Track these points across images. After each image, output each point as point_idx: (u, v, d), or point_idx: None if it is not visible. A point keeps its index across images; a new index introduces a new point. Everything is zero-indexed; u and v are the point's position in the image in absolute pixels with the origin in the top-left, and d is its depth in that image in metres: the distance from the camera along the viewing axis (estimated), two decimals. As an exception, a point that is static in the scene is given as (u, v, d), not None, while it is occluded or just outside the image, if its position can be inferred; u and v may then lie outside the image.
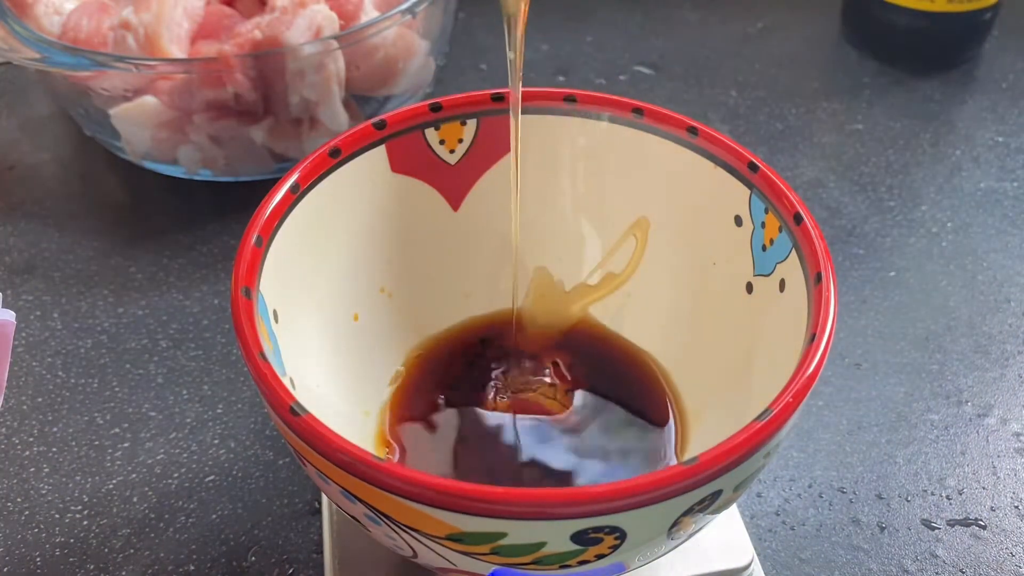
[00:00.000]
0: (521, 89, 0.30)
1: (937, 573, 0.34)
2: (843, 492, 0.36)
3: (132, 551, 0.34)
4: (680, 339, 0.33)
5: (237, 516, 0.35)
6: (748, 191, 0.29)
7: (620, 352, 0.34)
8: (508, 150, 0.33)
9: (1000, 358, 0.41)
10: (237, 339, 0.25)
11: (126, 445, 0.37)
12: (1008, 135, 0.53)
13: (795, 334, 0.26)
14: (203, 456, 0.37)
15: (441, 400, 0.32)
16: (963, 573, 0.34)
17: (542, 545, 0.22)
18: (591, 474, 0.30)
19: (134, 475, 0.36)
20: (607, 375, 0.33)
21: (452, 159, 0.33)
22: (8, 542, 0.34)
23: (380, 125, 0.31)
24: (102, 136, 0.48)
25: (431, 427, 0.32)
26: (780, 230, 0.28)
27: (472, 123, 0.32)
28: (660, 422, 0.31)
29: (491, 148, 0.33)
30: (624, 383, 0.33)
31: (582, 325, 0.35)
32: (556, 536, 0.22)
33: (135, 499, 0.35)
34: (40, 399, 0.39)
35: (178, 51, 0.44)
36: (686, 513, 0.23)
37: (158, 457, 0.37)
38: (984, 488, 0.36)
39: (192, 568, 0.33)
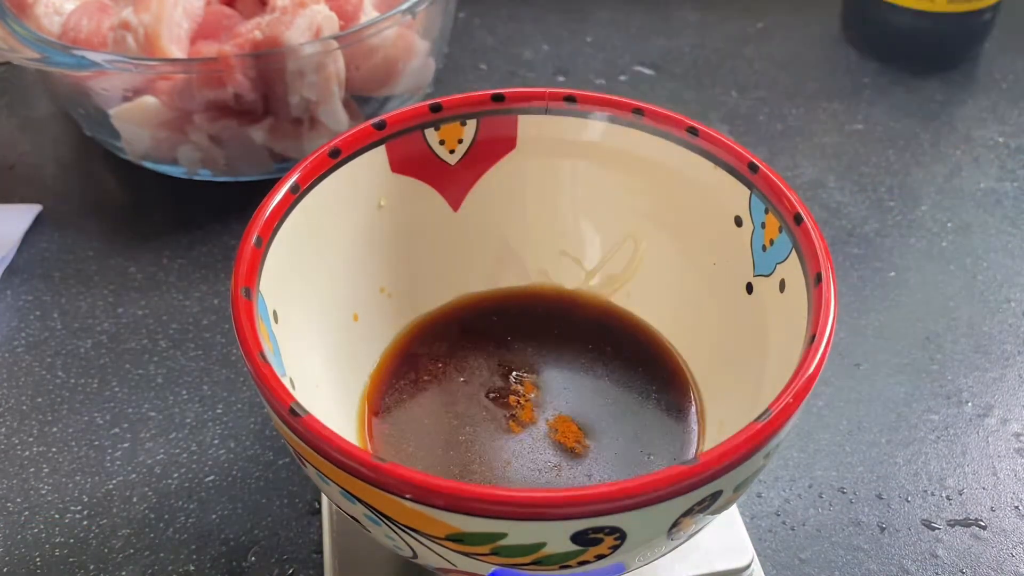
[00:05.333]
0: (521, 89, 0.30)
1: (937, 573, 0.34)
2: (843, 492, 0.36)
3: (132, 551, 0.34)
4: (680, 340, 0.33)
5: (237, 516, 0.35)
6: (748, 191, 0.29)
7: (645, 337, 0.34)
8: (508, 150, 0.33)
9: (1000, 358, 0.41)
10: (237, 339, 0.25)
11: (126, 445, 0.37)
12: (1008, 135, 0.53)
13: (795, 334, 0.26)
14: (203, 456, 0.37)
15: (450, 389, 0.32)
16: (963, 573, 0.34)
17: (542, 546, 0.22)
18: (601, 471, 0.30)
19: (134, 475, 0.36)
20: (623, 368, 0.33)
21: (452, 159, 0.33)
22: (8, 542, 0.34)
23: (380, 125, 0.31)
24: (102, 136, 0.48)
25: (435, 418, 0.32)
26: (780, 230, 0.28)
27: (472, 123, 0.32)
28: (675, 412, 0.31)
29: (491, 148, 0.33)
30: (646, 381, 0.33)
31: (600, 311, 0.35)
32: (556, 536, 0.22)
33: (135, 499, 0.35)
34: (40, 399, 0.39)
35: (178, 51, 0.44)
36: (686, 514, 0.23)
37: (158, 457, 0.37)
38: (984, 488, 0.36)
39: (192, 568, 0.33)
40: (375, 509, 0.23)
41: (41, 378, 0.40)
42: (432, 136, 0.32)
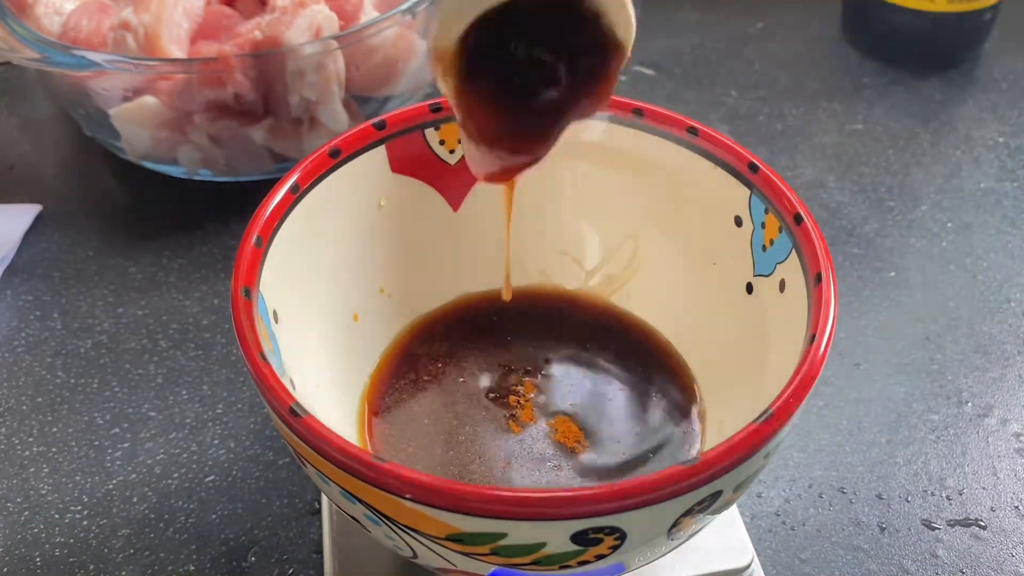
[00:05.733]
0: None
1: (937, 573, 0.34)
2: (843, 492, 0.36)
3: (132, 551, 0.34)
4: (680, 340, 0.33)
5: (237, 516, 0.35)
6: (748, 191, 0.29)
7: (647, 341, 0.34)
8: (508, 150, 0.33)
9: (1000, 358, 0.41)
10: (237, 339, 0.25)
11: (126, 445, 0.37)
12: (1008, 135, 0.53)
13: (795, 334, 0.26)
14: (203, 456, 0.37)
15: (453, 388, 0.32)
16: (963, 573, 0.34)
17: (542, 545, 0.22)
18: (601, 469, 0.30)
19: (134, 475, 0.36)
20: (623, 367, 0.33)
21: (452, 159, 0.33)
22: (8, 542, 0.34)
23: (380, 125, 0.31)
24: (102, 136, 0.48)
25: (433, 414, 0.32)
26: (780, 230, 0.28)
27: (472, 123, 0.32)
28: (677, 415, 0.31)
29: (491, 148, 0.33)
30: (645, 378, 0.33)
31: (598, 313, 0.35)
32: (556, 536, 0.22)
33: (135, 499, 0.35)
34: (40, 399, 0.39)
35: (178, 51, 0.44)
36: (686, 514, 0.23)
37: (158, 457, 0.37)
38: (984, 488, 0.36)
39: (192, 568, 0.33)
40: (375, 509, 0.23)
41: (41, 378, 0.40)
42: (432, 136, 0.32)
